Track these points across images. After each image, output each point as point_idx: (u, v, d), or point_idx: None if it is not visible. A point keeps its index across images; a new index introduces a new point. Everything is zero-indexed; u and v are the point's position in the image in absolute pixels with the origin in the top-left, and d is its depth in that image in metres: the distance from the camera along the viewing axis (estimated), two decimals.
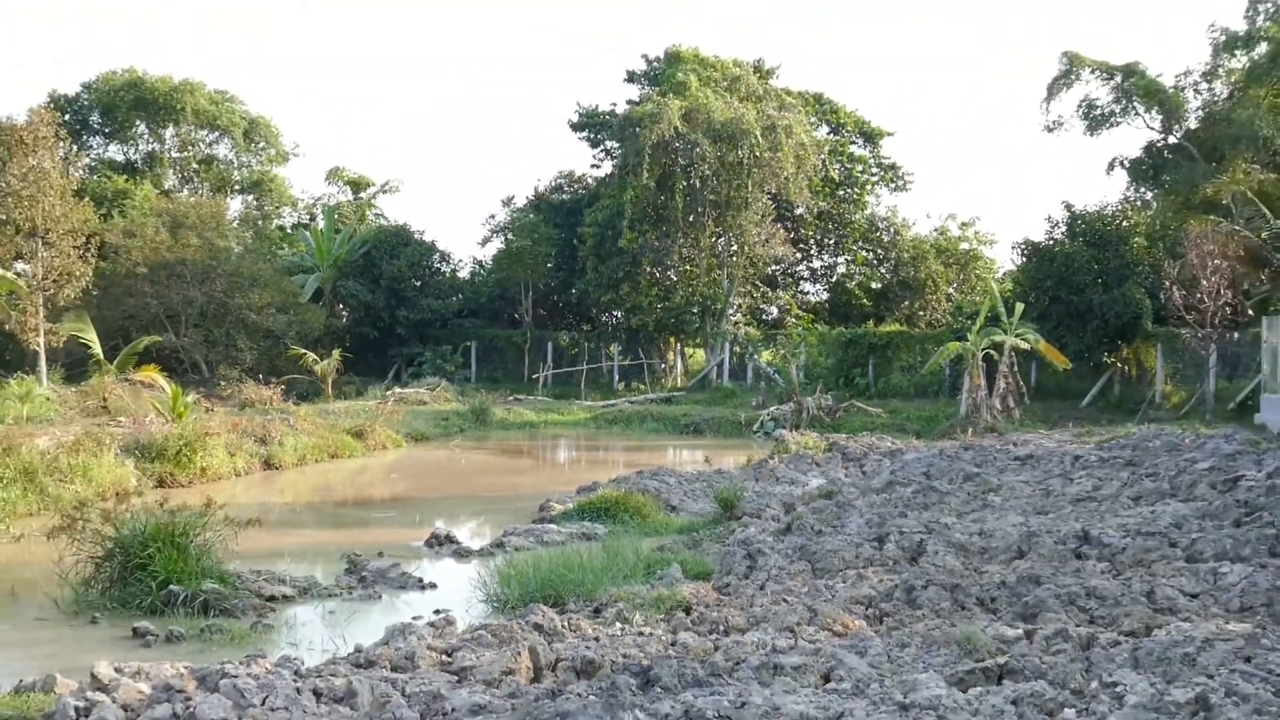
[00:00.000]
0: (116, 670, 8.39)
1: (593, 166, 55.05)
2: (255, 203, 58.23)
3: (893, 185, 56.03)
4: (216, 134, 57.49)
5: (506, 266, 51.46)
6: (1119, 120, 40.62)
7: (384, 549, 15.57)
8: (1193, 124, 39.98)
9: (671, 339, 50.88)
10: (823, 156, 50.22)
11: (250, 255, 44.90)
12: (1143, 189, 42.98)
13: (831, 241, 55.29)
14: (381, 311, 48.98)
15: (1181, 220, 37.51)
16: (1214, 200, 36.76)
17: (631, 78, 52.80)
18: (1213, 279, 32.95)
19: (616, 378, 49.09)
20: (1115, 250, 38.42)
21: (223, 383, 38.35)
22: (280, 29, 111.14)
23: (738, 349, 48.10)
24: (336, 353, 40.17)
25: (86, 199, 37.17)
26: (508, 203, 55.30)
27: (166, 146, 57.06)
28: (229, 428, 25.54)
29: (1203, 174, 36.98)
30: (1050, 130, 42.20)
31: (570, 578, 11.89)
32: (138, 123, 55.91)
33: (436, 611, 11.61)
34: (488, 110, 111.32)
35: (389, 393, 39.03)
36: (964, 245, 53.30)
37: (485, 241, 55.41)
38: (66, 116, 48.10)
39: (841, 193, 54.26)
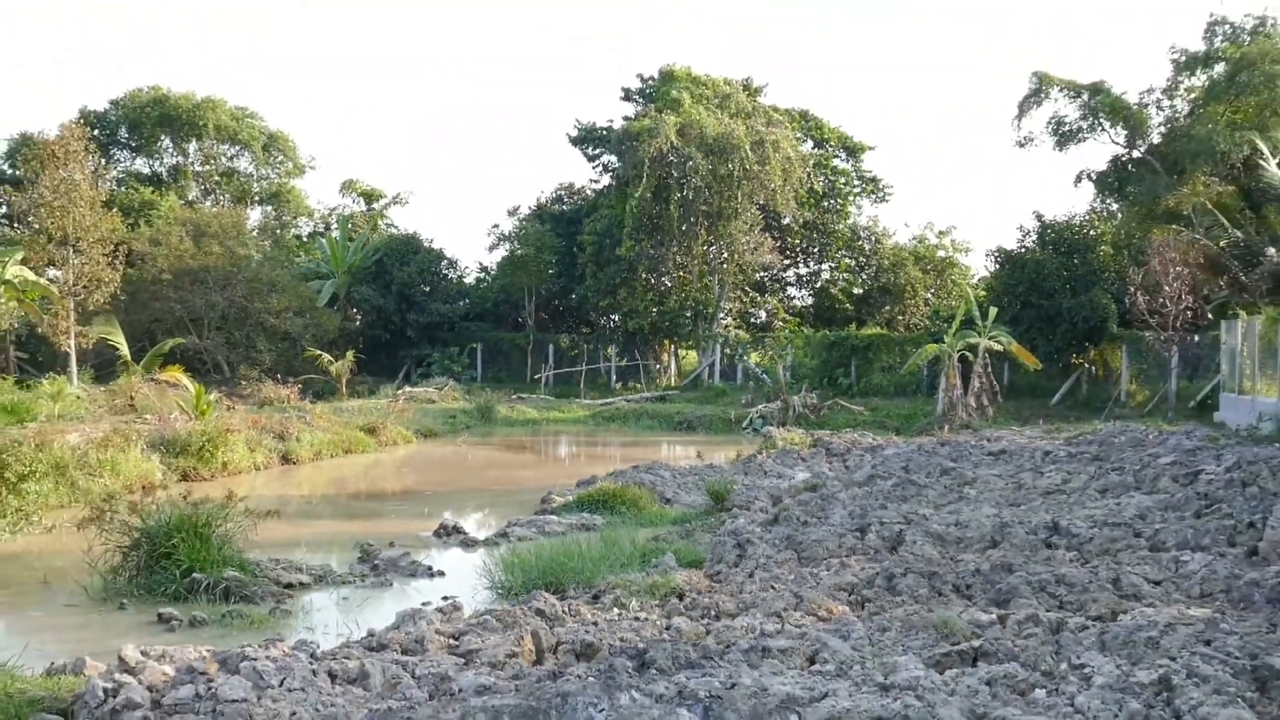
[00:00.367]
0: (143, 653, 8.38)
1: (591, 182, 55.12)
2: (274, 213, 58.20)
3: (873, 197, 56.11)
4: (237, 148, 57.45)
5: (511, 273, 51.54)
6: (1086, 136, 40.69)
7: (395, 539, 15.56)
8: (1155, 139, 40.05)
9: (666, 341, 50.90)
10: (808, 169, 50.21)
11: (269, 262, 44.85)
12: (1108, 200, 43.06)
13: (816, 249, 55.30)
14: (392, 315, 48.99)
15: (1145, 230, 37.57)
16: (1175, 211, 36.84)
17: (628, 95, 52.82)
18: (1174, 285, 33.01)
19: (614, 378, 49.08)
20: (1083, 258, 38.54)
21: (243, 382, 38.30)
22: (299, 47, 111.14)
23: (728, 350, 48.18)
24: (350, 354, 40.18)
25: (115, 209, 37.17)
26: (513, 212, 55.49)
27: (190, 160, 57.03)
28: (249, 425, 25.53)
29: (1165, 186, 37.06)
30: (1022, 146, 42.27)
31: (570, 566, 11.88)
32: (163, 138, 55.87)
33: (444, 598, 11.59)
34: (492, 126, 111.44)
35: (399, 392, 39.06)
36: (941, 253, 53.38)
37: (492, 248, 55.84)
38: (96, 131, 47.94)
39: (825, 203, 54.31)
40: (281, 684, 7.63)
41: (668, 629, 9.08)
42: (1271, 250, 33.02)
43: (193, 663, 8.12)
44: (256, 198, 58.45)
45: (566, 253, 50.02)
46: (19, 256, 35.40)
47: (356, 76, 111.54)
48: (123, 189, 50.63)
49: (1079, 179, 42.68)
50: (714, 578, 11.60)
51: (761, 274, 52.16)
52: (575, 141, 54.20)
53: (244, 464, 23.40)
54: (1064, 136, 40.76)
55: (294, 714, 6.97)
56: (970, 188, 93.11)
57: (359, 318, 50.07)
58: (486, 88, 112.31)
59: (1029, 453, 21.62)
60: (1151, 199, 37.42)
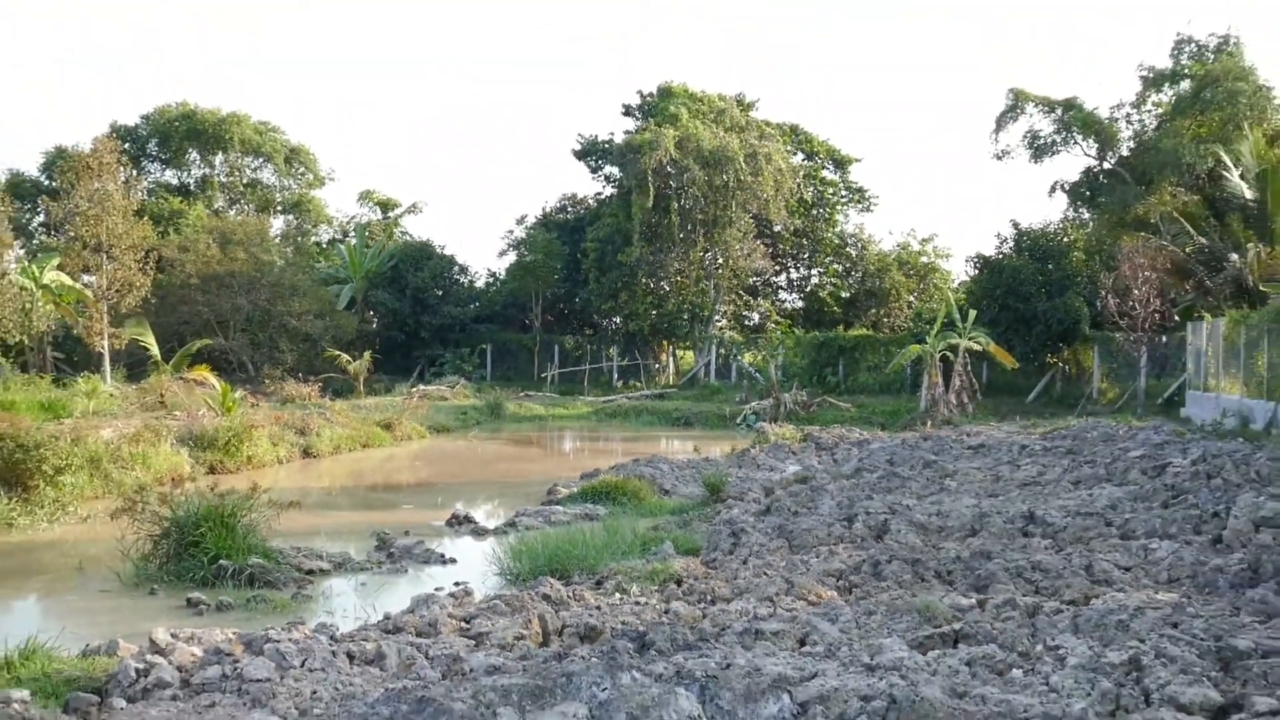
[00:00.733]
0: (172, 635, 8.38)
1: (594, 192, 55.14)
2: (295, 221, 58.18)
3: (860, 206, 56.17)
4: (261, 160, 57.43)
5: (519, 278, 51.56)
6: (1060, 149, 40.74)
7: (410, 528, 15.56)
8: (1125, 151, 40.09)
9: (664, 342, 50.95)
10: (798, 180, 50.33)
11: (291, 268, 44.87)
12: (1081, 209, 43.09)
13: (806, 255, 55.32)
14: (407, 318, 49.02)
15: (1115, 237, 37.61)
16: (1144, 219, 36.87)
17: (628, 111, 52.83)
18: (1143, 289, 33.03)
19: (615, 376, 49.09)
20: (1057, 263, 38.55)
21: (266, 381, 38.29)
22: (323, 66, 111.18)
23: (723, 351, 48.20)
24: (367, 354, 40.19)
25: (145, 218, 37.07)
26: (521, 221, 55.60)
27: (216, 172, 57.01)
28: (272, 421, 25.53)
29: (1134, 196, 37.11)
30: (999, 158, 42.37)
31: (575, 553, 11.88)
32: (190, 150, 55.87)
33: (456, 583, 11.59)
34: (500, 140, 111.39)
35: (414, 390, 39.01)
36: (923, 259, 53.36)
37: (502, 254, 55.90)
38: (127, 145, 47.93)
39: (814, 212, 54.32)
40: (303, 664, 7.63)
41: (666, 613, 9.08)
42: (1234, 256, 33.01)
43: (219, 644, 8.12)
44: (279, 207, 58.43)
45: (571, 259, 50.03)
46: (56, 263, 35.44)
47: (376, 93, 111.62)
48: (153, 199, 50.56)
49: (1053, 189, 42.74)
50: (710, 565, 11.61)
51: (754, 278, 52.17)
52: (579, 155, 54.27)
53: (267, 458, 23.41)
54: (1039, 149, 40.81)
55: (315, 693, 6.97)
56: (951, 197, 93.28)
57: (375, 320, 50.09)
58: (495, 104, 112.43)
59: (1006, 447, 21.62)
60: (1121, 208, 37.46)
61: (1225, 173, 33.94)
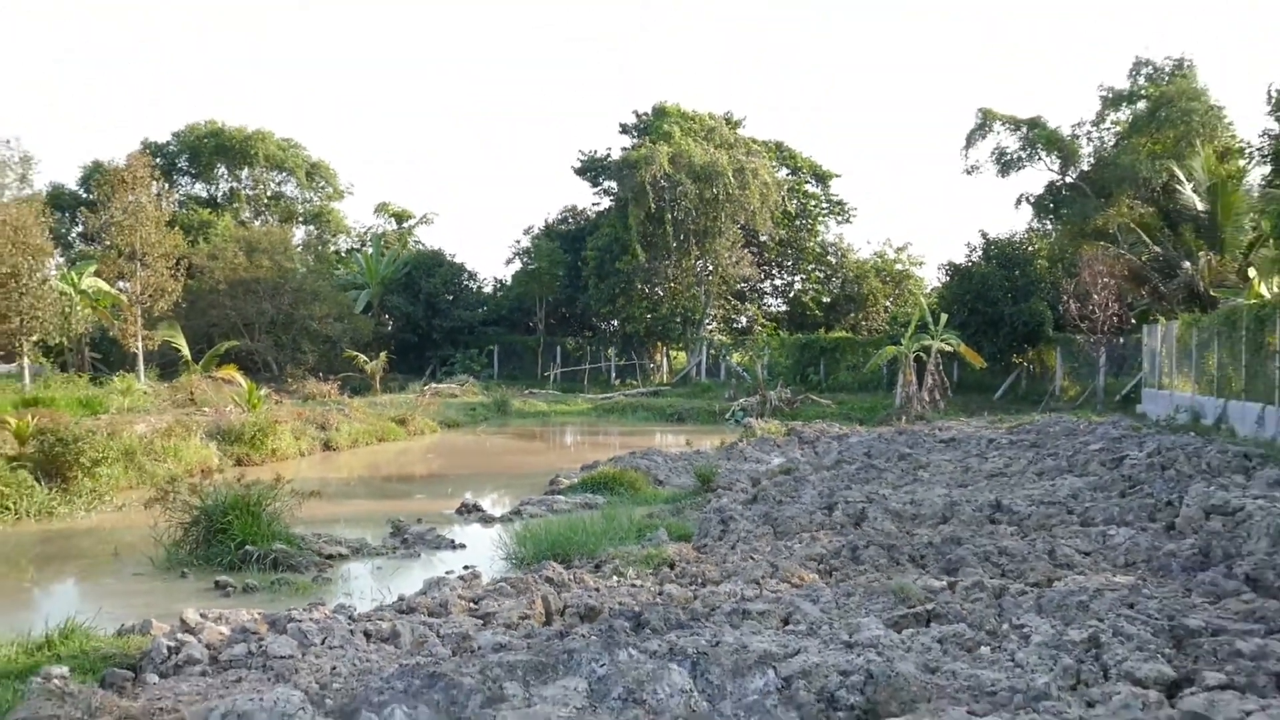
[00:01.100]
0: (202, 616, 8.38)
1: (593, 204, 55.10)
2: (316, 231, 58.14)
3: (840, 217, 56.12)
4: (284, 175, 57.36)
5: (524, 284, 51.61)
6: (1025, 164, 40.67)
7: (422, 516, 15.55)
8: (1085, 166, 40.05)
9: (659, 343, 50.96)
10: (783, 194, 50.30)
11: (312, 275, 44.82)
12: (1044, 220, 43.05)
13: (790, 263, 55.31)
14: (420, 321, 49.00)
15: (1076, 246, 37.62)
16: (1103, 229, 36.90)
17: (625, 129, 52.80)
18: (1102, 294, 33.07)
19: (613, 375, 49.06)
20: (1022, 270, 38.57)
21: (289, 379, 38.29)
22: (341, 86, 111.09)
23: (713, 351, 48.22)
24: (383, 355, 40.19)
25: (177, 228, 37.08)
26: (527, 231, 55.63)
27: (242, 185, 56.93)
28: (294, 416, 25.53)
29: (1093, 208, 37.11)
30: (969, 173, 42.31)
31: (575, 539, 11.87)
32: (218, 165, 55.79)
33: (465, 567, 11.59)
34: (507, 155, 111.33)
35: (426, 387, 39.03)
36: (898, 266, 53.38)
37: (508, 262, 55.99)
38: (159, 160, 47.90)
39: (798, 223, 54.30)
40: (323, 642, 7.63)
41: (660, 594, 9.07)
42: (1187, 264, 33.08)
43: (246, 624, 8.12)
44: (301, 218, 58.36)
45: (572, 266, 50.01)
46: (93, 270, 35.44)
47: (394, 113, 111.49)
48: (183, 210, 50.52)
49: (1019, 202, 42.69)
50: (701, 549, 11.60)
51: (742, 284, 52.15)
52: (579, 171, 54.23)
53: (290, 451, 23.39)
54: (1006, 165, 40.76)
55: (334, 668, 6.97)
56: (924, 209, 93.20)
57: (391, 323, 50.05)
58: (503, 122, 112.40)
59: (975, 441, 21.63)
60: (1082, 219, 37.48)
61: (1179, 186, 34.01)
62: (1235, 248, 33.21)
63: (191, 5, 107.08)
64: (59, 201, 48.67)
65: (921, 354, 34.48)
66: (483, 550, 13.05)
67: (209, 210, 52.22)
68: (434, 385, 40.33)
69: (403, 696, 5.78)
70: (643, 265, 46.46)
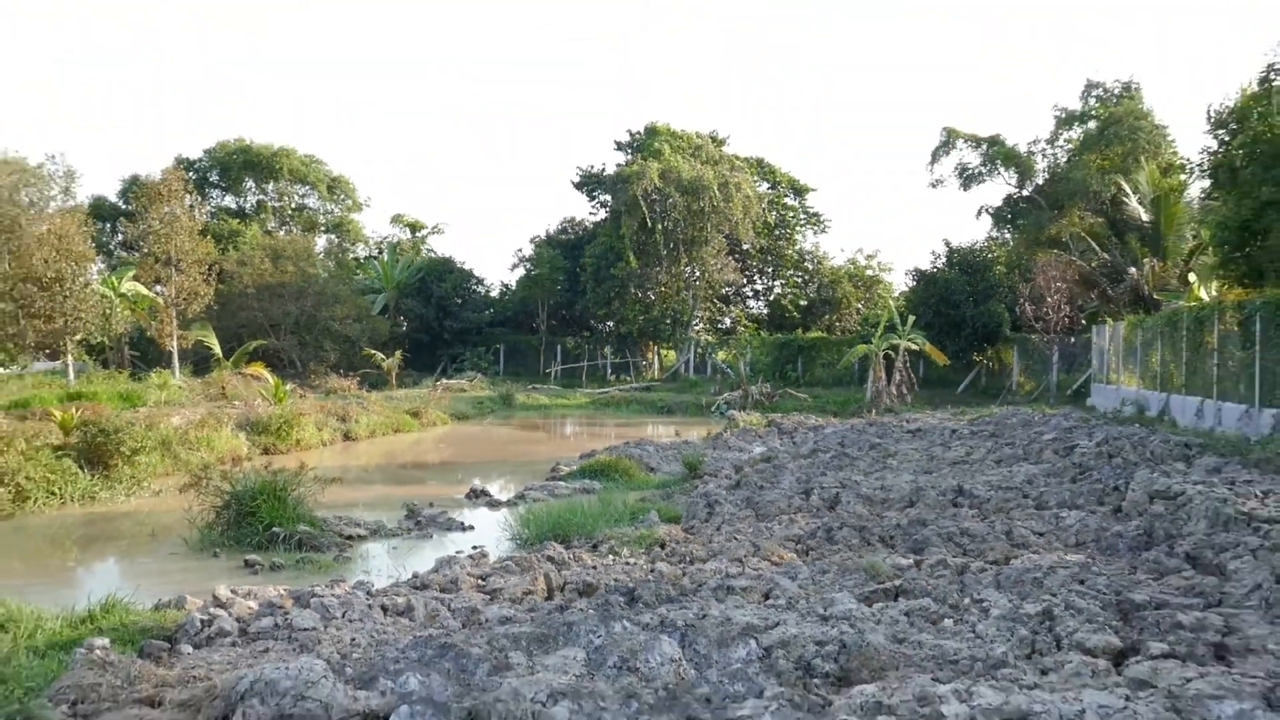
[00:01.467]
0: (232, 592, 8.37)
1: (590, 216, 55.02)
2: (336, 240, 57.96)
3: (815, 228, 56.13)
4: (307, 188, 57.22)
5: (527, 288, 51.57)
6: (985, 178, 40.74)
7: (434, 500, 15.55)
8: (1040, 180, 40.12)
9: (650, 342, 50.93)
10: (763, 206, 50.31)
11: (333, 280, 44.69)
12: (1003, 230, 43.14)
13: (770, 269, 55.31)
14: (432, 322, 48.97)
15: (1032, 253, 37.69)
16: (1056, 238, 36.96)
17: (619, 146, 52.76)
18: (1055, 297, 33.18)
19: (609, 372, 49.06)
20: (982, 276, 38.65)
21: (312, 375, 38.19)
22: (362, 105, 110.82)
23: (700, 350, 48.22)
24: (398, 353, 40.09)
25: (208, 237, 36.93)
26: (531, 240, 55.64)
27: (269, 197, 56.77)
28: (317, 409, 25.49)
29: (1048, 218, 37.17)
30: (934, 186, 42.36)
31: (574, 521, 11.88)
32: (247, 179, 55.62)
33: (474, 547, 11.58)
34: (510, 169, 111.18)
35: (438, 383, 39.00)
36: (869, 272, 53.42)
37: (513, 268, 56.04)
38: (191, 174, 47.82)
39: (777, 233, 54.31)
40: (344, 615, 7.62)
41: (652, 572, 9.08)
42: (1132, 270, 33.15)
43: (272, 599, 8.11)
44: (322, 228, 58.21)
45: (571, 272, 50.02)
46: (132, 275, 35.36)
47: (409, 130, 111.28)
48: (214, 221, 50.31)
49: (979, 213, 42.79)
50: (689, 531, 11.61)
51: (726, 289, 52.18)
52: (577, 184, 54.19)
53: (313, 441, 23.36)
54: (968, 179, 40.83)
55: (353, 640, 6.96)
56: (892, 220, 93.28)
57: (405, 324, 49.97)
58: (508, 139, 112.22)
59: (939, 431, 21.66)
60: (1037, 229, 37.55)
61: (1125, 199, 34.09)
62: (1177, 255, 33.31)
63: (221, 25, 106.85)
64: (100, 212, 48.45)
65: (890, 352, 34.53)
66: (490, 531, 13.04)
67: (238, 220, 52.04)
68: (445, 381, 40.28)
69: (417, 665, 5.78)
70: (636, 271, 46.52)
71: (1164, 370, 23.82)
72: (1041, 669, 5.76)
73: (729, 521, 11.89)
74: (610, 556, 10.12)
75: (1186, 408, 21.17)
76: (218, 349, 35.71)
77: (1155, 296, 31.65)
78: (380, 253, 56.92)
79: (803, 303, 54.01)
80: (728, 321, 53.43)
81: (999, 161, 40.07)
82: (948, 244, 40.31)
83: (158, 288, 35.04)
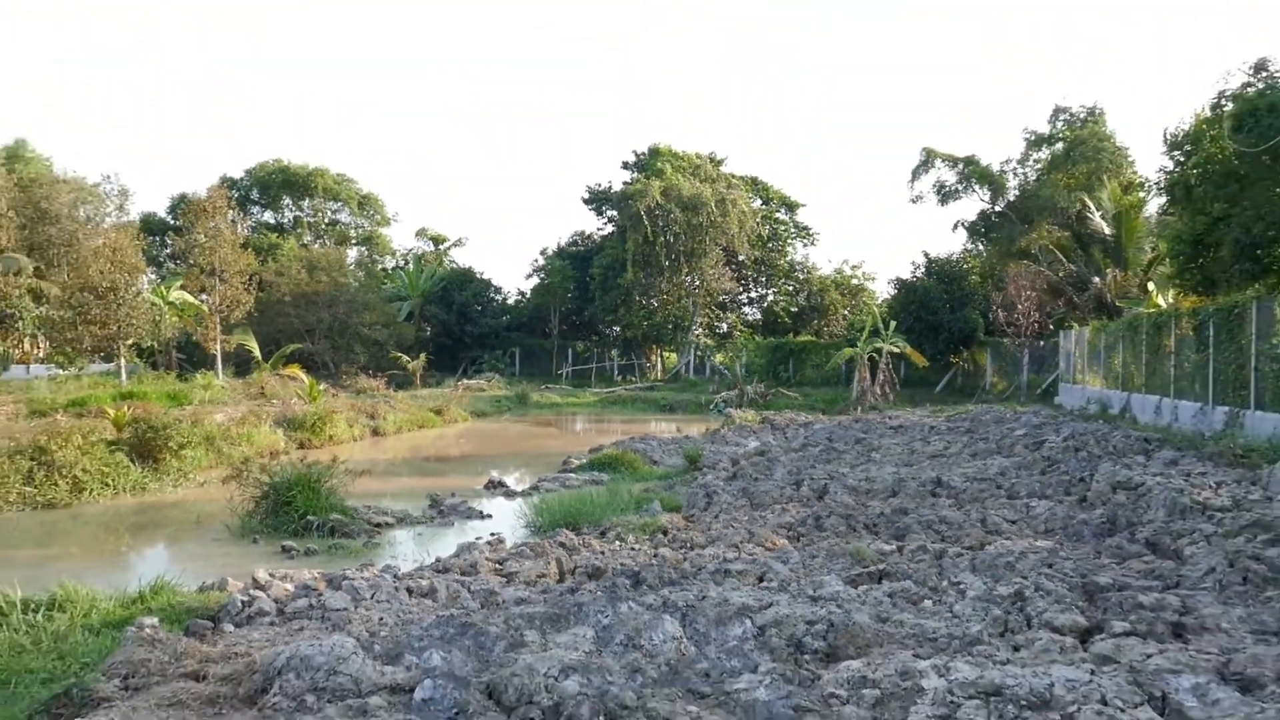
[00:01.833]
0: (270, 575, 8.36)
1: (598, 230, 55.09)
2: (366, 252, 58.10)
3: (805, 240, 56.15)
4: (339, 205, 57.39)
5: (541, 296, 51.70)
6: (961, 195, 40.56)
7: (455, 491, 15.52)
8: (1011, 197, 39.96)
9: (654, 346, 50.96)
10: (758, 220, 50.33)
11: (363, 289, 44.84)
12: (977, 242, 43.00)
13: (763, 279, 55.31)
14: (453, 327, 49.03)
15: (1004, 264, 37.64)
16: (1026, 250, 36.90)
17: (625, 166, 52.86)
18: (1025, 305, 33.13)
19: (616, 373, 49.09)
20: (958, 285, 38.61)
21: (344, 376, 38.21)
22: (392, 127, 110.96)
23: (699, 352, 48.25)
24: (423, 355, 40.16)
25: (249, 250, 37.06)
26: (544, 252, 55.74)
27: (304, 214, 56.91)
28: (348, 408, 25.51)
29: (1018, 232, 37.09)
30: (914, 202, 42.16)
31: (584, 510, 11.87)
32: (284, 197, 55.82)
33: (492, 534, 11.57)
34: (526, 188, 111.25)
35: (459, 383, 39.01)
36: (854, 281, 53.38)
37: (528, 278, 56.18)
38: (234, 193, 47.93)
39: (770, 245, 54.28)
40: (373, 597, 7.62)
41: (655, 557, 9.06)
42: (1096, 279, 33.12)
43: (307, 582, 8.10)
44: (353, 241, 58.36)
45: (581, 281, 50.12)
46: (179, 284, 35.48)
47: (435, 150, 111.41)
48: (255, 234, 50.53)
49: (955, 226, 42.63)
50: (689, 519, 11.60)
51: (723, 296, 52.15)
52: (586, 201, 54.26)
53: (345, 436, 23.36)
54: (945, 195, 40.67)
55: (381, 619, 6.96)
56: (876, 233, 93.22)
57: (429, 329, 50.05)
58: (523, 160, 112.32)
59: (919, 428, 21.65)
60: (1008, 241, 37.47)
61: (1089, 214, 34.04)
62: (1137, 266, 33.25)
63: (242, 42, 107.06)
64: (150, 227, 48.62)
65: (874, 355, 34.50)
66: (506, 520, 13.03)
67: (276, 234, 52.21)
68: (465, 381, 40.29)
69: (439, 642, 5.77)
70: (640, 281, 46.60)
71: (1125, 371, 23.77)
72: (1014, 646, 5.74)
73: (726, 510, 11.88)
74: (617, 542, 10.11)
75: (1146, 406, 21.13)
76: (257, 352, 35.77)
77: (1117, 304, 31.61)
78: (406, 264, 57.04)
79: (794, 309, 54.00)
80: (725, 326, 53.42)
81: (974, 180, 39.93)
82: (926, 255, 40.42)
83: (203, 296, 35.17)
